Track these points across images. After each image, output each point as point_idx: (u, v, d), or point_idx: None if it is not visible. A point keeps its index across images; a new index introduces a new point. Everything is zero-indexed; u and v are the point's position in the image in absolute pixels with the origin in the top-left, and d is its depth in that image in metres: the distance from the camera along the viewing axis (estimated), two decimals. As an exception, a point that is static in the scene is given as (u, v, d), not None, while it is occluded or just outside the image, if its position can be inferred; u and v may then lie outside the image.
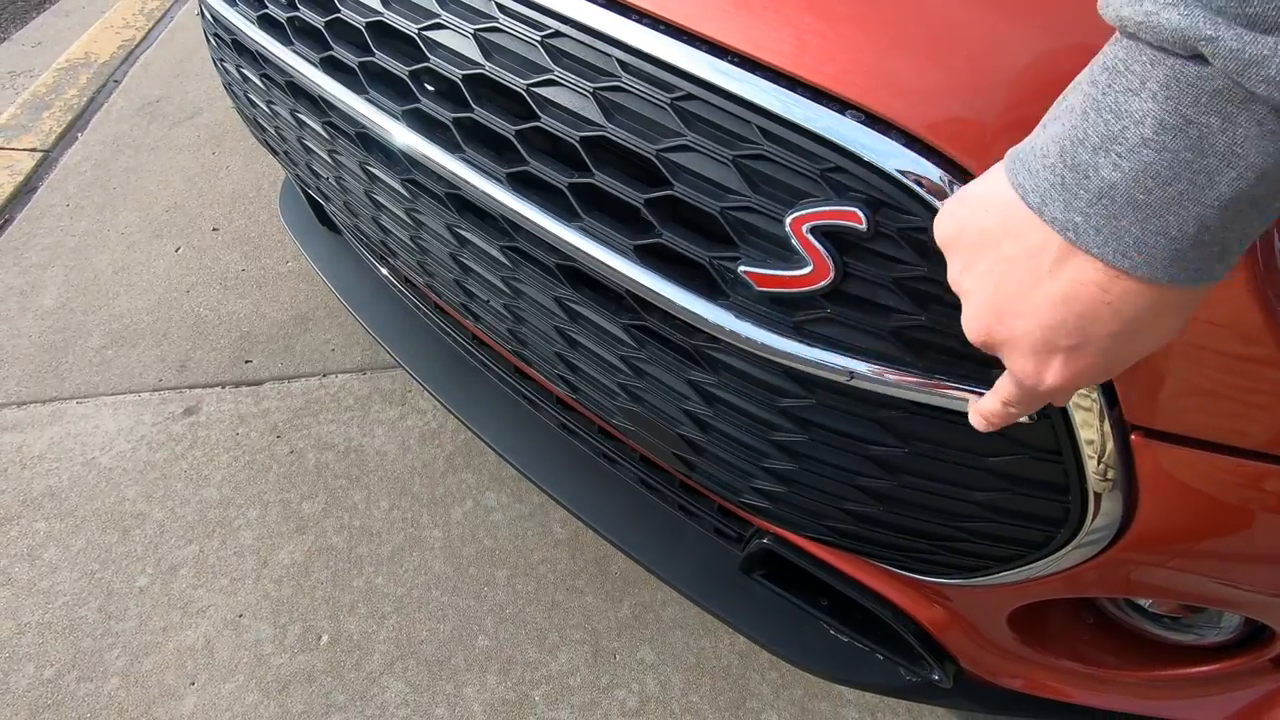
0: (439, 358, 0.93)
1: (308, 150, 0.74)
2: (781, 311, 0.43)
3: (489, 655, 0.92)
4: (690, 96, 0.43)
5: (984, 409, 0.35)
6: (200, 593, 0.96)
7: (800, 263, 0.41)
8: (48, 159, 1.67)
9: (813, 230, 0.40)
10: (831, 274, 0.40)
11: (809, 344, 0.42)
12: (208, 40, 0.86)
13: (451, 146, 0.55)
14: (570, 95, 0.47)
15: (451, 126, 0.55)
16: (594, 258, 0.48)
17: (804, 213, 0.40)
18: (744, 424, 0.48)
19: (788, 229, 0.41)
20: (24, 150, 1.68)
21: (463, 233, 0.59)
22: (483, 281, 0.60)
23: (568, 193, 0.49)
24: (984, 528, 0.46)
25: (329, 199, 0.78)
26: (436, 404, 1.20)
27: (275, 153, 0.86)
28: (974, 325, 0.32)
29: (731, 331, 0.44)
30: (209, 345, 1.28)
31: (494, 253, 0.57)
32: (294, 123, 0.72)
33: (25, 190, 1.58)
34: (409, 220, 0.64)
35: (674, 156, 0.44)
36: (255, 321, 1.33)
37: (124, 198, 1.57)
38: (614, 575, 1.01)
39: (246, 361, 1.26)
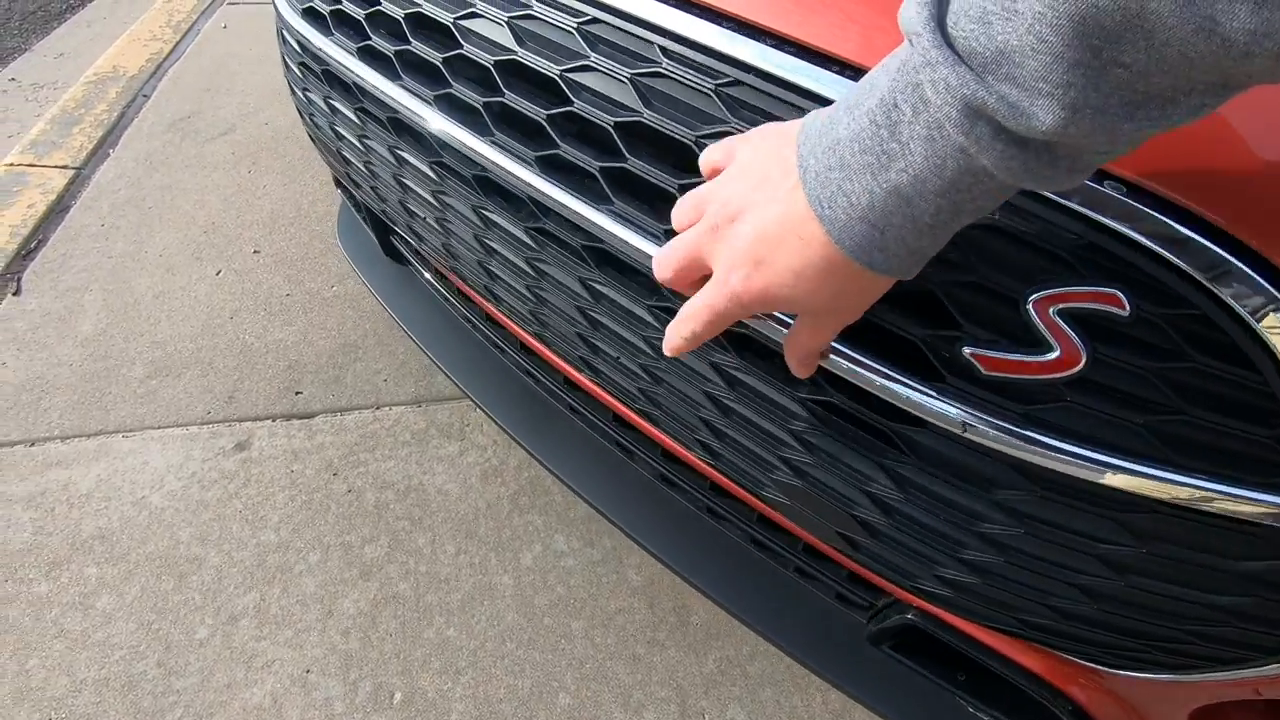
0: (517, 397, 0.88)
1: (404, 188, 0.70)
2: (1010, 398, 0.39)
3: (572, 715, 0.87)
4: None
5: (685, 313, 0.38)
6: (264, 645, 0.91)
7: (1044, 347, 0.37)
8: (80, 176, 1.63)
9: (1061, 313, 0.36)
10: (1083, 361, 0.36)
11: (1045, 435, 0.38)
12: (286, 65, 0.82)
13: (622, 221, 0.51)
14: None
15: (599, 176, 0.50)
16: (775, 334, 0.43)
17: (1052, 293, 0.36)
18: (942, 512, 0.44)
19: (1030, 310, 0.36)
20: (56, 168, 1.63)
21: (606, 290, 0.55)
22: (627, 344, 0.55)
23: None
24: (1218, 631, 0.42)
25: (423, 239, 0.74)
26: (497, 439, 1.16)
27: (357, 185, 0.82)
28: (722, 206, 0.35)
29: (943, 415, 0.39)
30: (257, 375, 1.23)
31: (641, 313, 0.52)
32: (393, 160, 0.68)
33: (58, 209, 1.53)
34: (530, 270, 0.60)
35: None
36: (303, 350, 1.28)
37: (160, 217, 1.53)
38: (696, 627, 0.96)
39: (297, 393, 1.21)
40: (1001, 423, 0.39)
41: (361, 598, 0.96)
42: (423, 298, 0.99)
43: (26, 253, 1.42)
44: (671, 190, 0.46)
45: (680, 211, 0.38)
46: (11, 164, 1.62)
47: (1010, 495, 0.41)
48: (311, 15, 0.72)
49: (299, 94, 0.80)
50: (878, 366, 0.41)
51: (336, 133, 0.76)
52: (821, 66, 0.41)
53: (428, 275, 0.95)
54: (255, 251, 1.47)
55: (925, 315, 0.40)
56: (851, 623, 0.69)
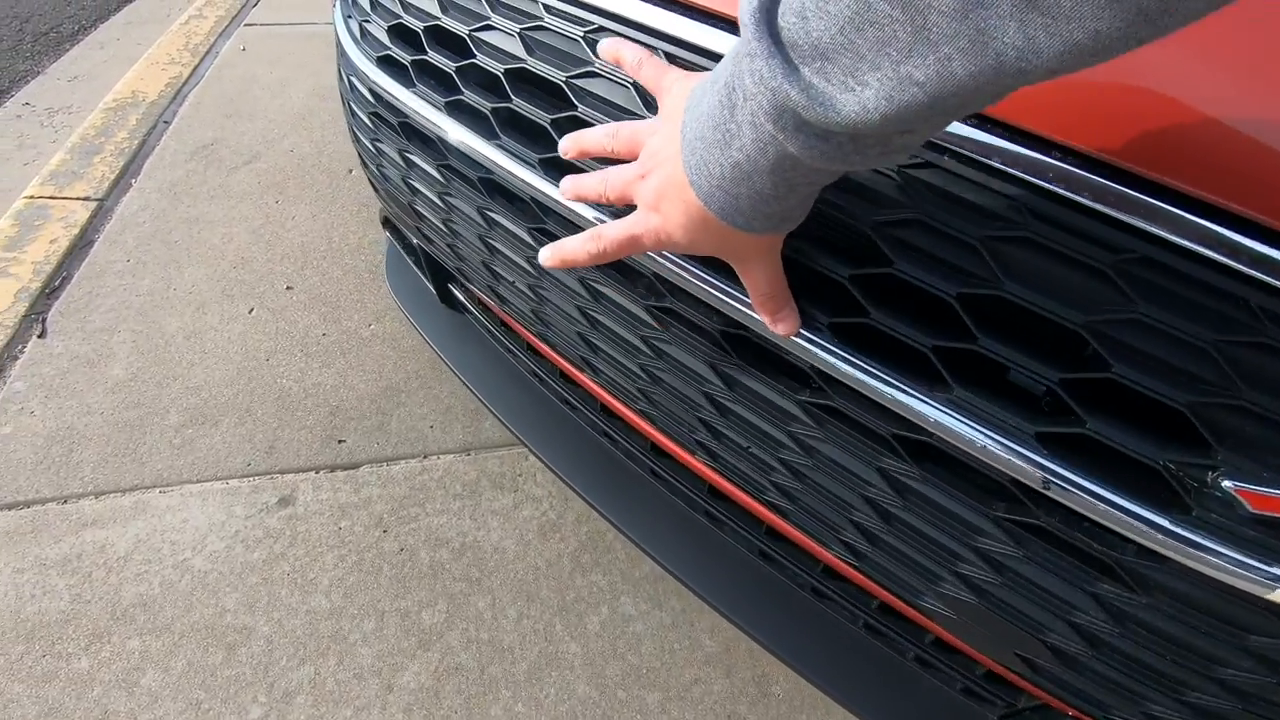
0: (590, 455, 0.83)
1: (491, 250, 0.65)
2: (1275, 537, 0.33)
3: (655, 801, 0.82)
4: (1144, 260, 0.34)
5: (599, 231, 0.44)
6: (321, 726, 0.85)
7: (1333, 487, 0.31)
8: (102, 208, 1.57)
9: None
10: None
11: (1325, 584, 0.32)
12: (352, 113, 0.77)
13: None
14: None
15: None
16: (980, 450, 0.38)
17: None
18: (1171, 653, 0.38)
19: (1319, 444, 0.31)
20: (77, 199, 1.58)
21: (742, 378, 0.49)
22: (767, 437, 0.50)
23: (932, 357, 0.39)
24: None
25: (506, 301, 0.68)
26: (552, 490, 1.10)
27: (428, 239, 0.77)
28: (649, 156, 0.40)
29: (1198, 557, 0.34)
30: (297, 423, 1.17)
31: (793, 409, 0.47)
32: (481, 221, 0.63)
33: (82, 244, 1.48)
34: (646, 349, 0.54)
35: (1112, 331, 0.35)
36: (343, 395, 1.23)
37: (187, 252, 1.48)
38: (777, 698, 0.91)
39: (339, 441, 1.16)
40: (1266, 564, 0.33)
41: (422, 670, 0.90)
42: (482, 348, 0.94)
43: (51, 291, 1.37)
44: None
45: (617, 140, 0.43)
46: (32, 196, 1.57)
47: (1267, 643, 0.35)
48: (388, 64, 0.67)
49: (365, 143, 0.75)
50: (1106, 489, 0.36)
51: (410, 186, 0.71)
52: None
53: (489, 327, 0.90)
54: (288, 288, 1.41)
55: (1177, 440, 0.35)
56: (976, 715, 0.64)
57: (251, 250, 1.49)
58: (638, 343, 0.55)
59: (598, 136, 0.45)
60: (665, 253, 0.49)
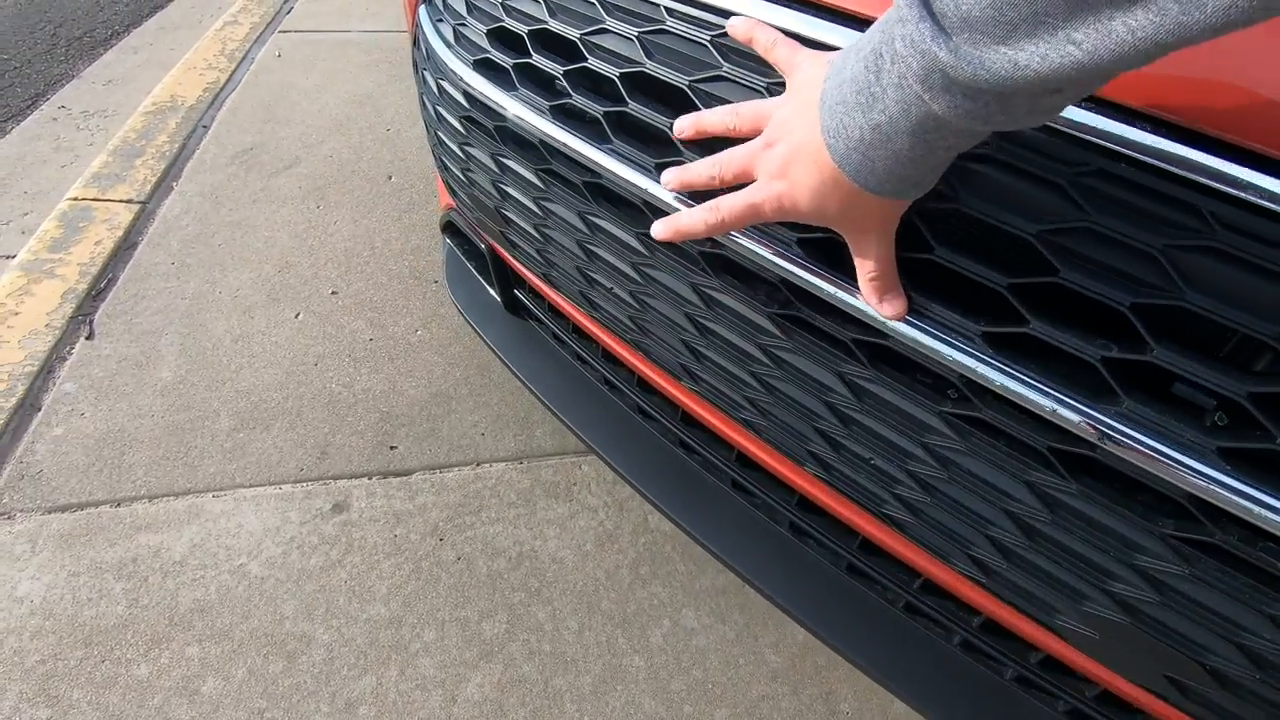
0: (663, 463, 0.82)
1: (590, 256, 0.64)
2: None
3: (729, 820, 0.80)
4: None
5: (719, 203, 0.46)
6: (386, 738, 0.83)
7: None
8: (145, 211, 1.57)
9: None
10: None
11: None
12: (440, 119, 0.77)
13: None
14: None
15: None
16: (1152, 463, 0.37)
17: None
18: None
19: None
20: (120, 202, 1.58)
21: (878, 389, 0.48)
22: (890, 445, 0.49)
23: (1101, 368, 0.38)
24: None
25: (597, 306, 0.68)
26: (608, 500, 1.09)
27: (513, 244, 0.76)
28: (777, 126, 0.42)
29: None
30: (348, 428, 1.17)
31: (932, 421, 0.46)
32: (584, 228, 0.62)
33: (126, 246, 1.48)
34: (765, 358, 0.53)
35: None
36: (393, 400, 1.22)
37: (231, 256, 1.47)
38: (846, 716, 0.89)
39: (391, 448, 1.14)
40: None
41: (485, 682, 0.89)
42: (550, 357, 0.93)
43: (97, 293, 1.37)
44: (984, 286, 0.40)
45: (740, 117, 0.45)
46: (76, 198, 1.57)
47: None
48: (486, 67, 0.66)
49: (454, 148, 0.75)
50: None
51: (501, 191, 0.70)
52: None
53: (561, 335, 0.89)
54: (333, 293, 1.41)
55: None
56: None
57: (295, 255, 1.49)
58: (755, 350, 0.54)
59: (719, 114, 0.46)
60: (793, 256, 0.48)
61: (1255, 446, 0.36)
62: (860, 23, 0.44)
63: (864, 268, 0.43)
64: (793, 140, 0.40)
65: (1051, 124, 0.38)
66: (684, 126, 0.49)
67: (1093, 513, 0.42)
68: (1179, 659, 0.43)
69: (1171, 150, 0.35)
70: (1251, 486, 0.36)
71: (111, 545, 0.99)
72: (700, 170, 0.47)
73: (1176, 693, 0.45)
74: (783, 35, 0.44)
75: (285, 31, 2.40)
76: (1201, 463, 0.37)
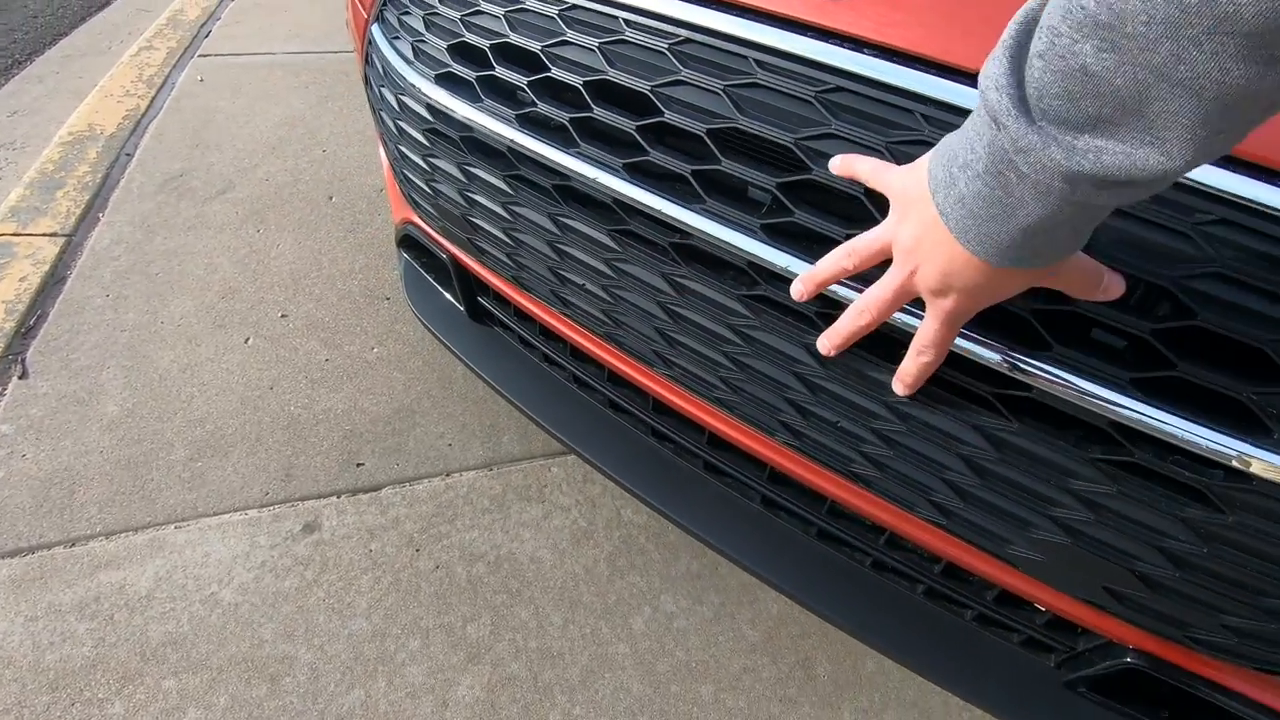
0: (638, 453, 0.85)
1: (561, 255, 0.67)
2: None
3: (723, 788, 0.83)
4: (1224, 221, 0.40)
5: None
6: (381, 748, 0.84)
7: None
8: (71, 244, 1.51)
9: None
10: None
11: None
12: (400, 134, 0.79)
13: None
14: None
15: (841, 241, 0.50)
16: (1091, 399, 0.43)
17: None
18: (1252, 564, 0.44)
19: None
20: (43, 236, 1.51)
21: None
22: (856, 408, 0.54)
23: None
24: None
25: (569, 304, 0.71)
26: (579, 499, 1.12)
27: (480, 250, 0.78)
28: (908, 255, 0.43)
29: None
30: (311, 449, 1.16)
31: (882, 377, 0.51)
32: (553, 228, 0.66)
33: (54, 281, 1.42)
34: (737, 338, 0.58)
35: (1198, 285, 0.40)
36: (356, 418, 1.21)
37: (170, 285, 1.43)
38: (823, 679, 0.94)
39: (358, 465, 1.14)
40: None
41: (475, 683, 0.90)
42: (517, 360, 0.95)
43: (26, 330, 1.31)
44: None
45: (854, 248, 0.46)
46: (-7, 234, 1.50)
47: (1339, 544, 0.41)
48: (449, 81, 0.69)
49: (418, 160, 0.77)
50: (1189, 423, 0.41)
51: (469, 199, 0.73)
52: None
53: (527, 337, 0.92)
54: (283, 316, 1.39)
55: (1254, 373, 0.41)
56: (1041, 669, 0.69)
57: (238, 280, 1.46)
58: (726, 331, 0.59)
59: (833, 262, 0.47)
60: (759, 239, 0.53)
61: (1160, 375, 0.42)
62: (777, 21, 0.49)
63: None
64: (937, 261, 0.40)
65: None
66: (802, 290, 0.50)
67: (1033, 448, 0.48)
68: (1114, 569, 0.49)
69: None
70: (1159, 409, 0.42)
71: (69, 586, 0.95)
72: (849, 325, 0.48)
73: (1115, 602, 0.51)
74: (877, 161, 0.46)
75: (205, 55, 2.33)
76: (1119, 393, 0.43)
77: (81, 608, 0.93)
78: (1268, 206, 0.39)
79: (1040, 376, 0.45)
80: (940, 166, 0.38)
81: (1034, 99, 0.31)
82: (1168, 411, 0.42)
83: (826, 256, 0.48)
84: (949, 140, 0.39)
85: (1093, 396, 0.44)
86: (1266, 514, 0.43)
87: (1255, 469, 0.41)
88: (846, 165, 0.47)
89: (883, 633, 0.72)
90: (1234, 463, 0.41)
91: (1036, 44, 0.30)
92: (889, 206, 0.47)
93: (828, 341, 0.51)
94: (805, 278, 0.49)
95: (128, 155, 1.82)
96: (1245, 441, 0.41)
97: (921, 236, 0.41)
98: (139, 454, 1.12)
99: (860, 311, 0.47)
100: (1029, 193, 0.33)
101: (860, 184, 0.47)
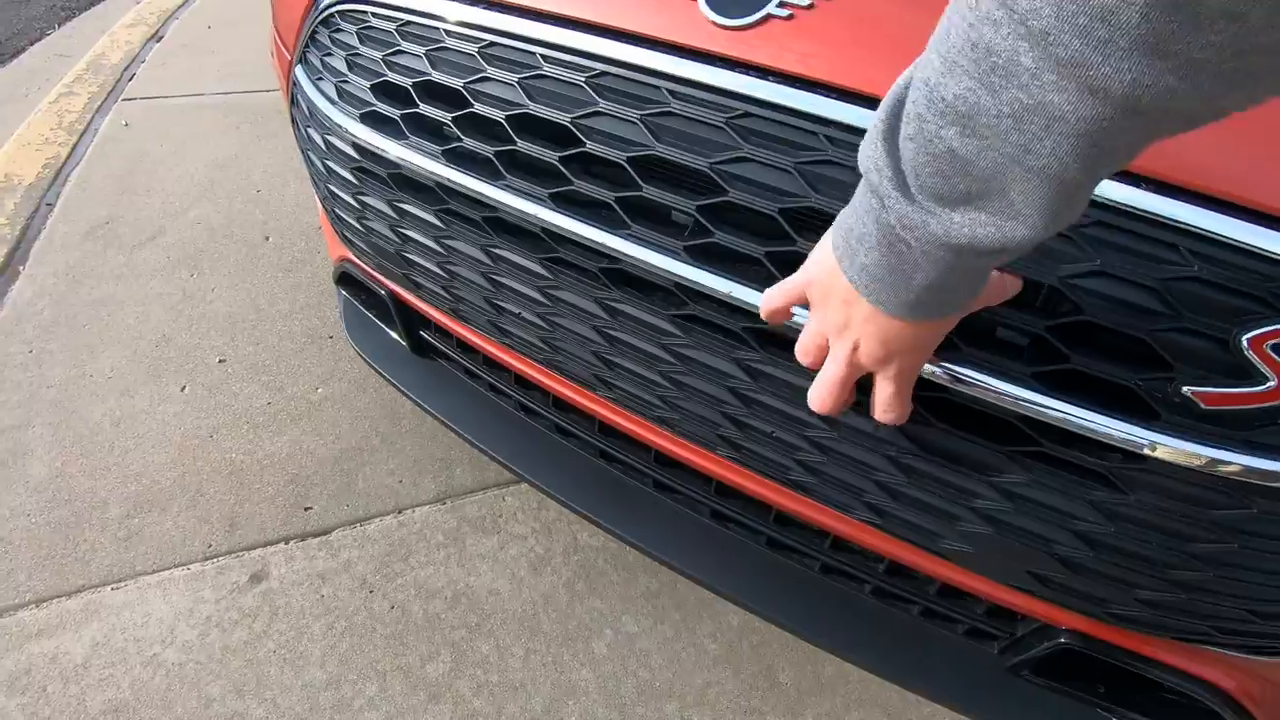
0: (589, 478, 0.86)
1: (497, 286, 0.68)
2: (1228, 426, 0.43)
3: (693, 806, 0.83)
4: (1101, 223, 0.43)
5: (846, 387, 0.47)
6: (341, 800, 0.81)
7: (1259, 379, 0.41)
8: (-11, 300, 1.45)
9: (1276, 347, 0.40)
10: (1297, 387, 0.41)
11: (1264, 456, 0.42)
12: (328, 173, 0.79)
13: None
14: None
15: (765, 261, 0.52)
16: (992, 391, 0.46)
17: (1266, 330, 0.40)
18: (1155, 539, 0.47)
19: (1245, 347, 0.41)
20: (-41, 292, 1.45)
21: (766, 368, 0.55)
22: (789, 418, 0.56)
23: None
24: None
25: (508, 333, 0.72)
26: (535, 527, 1.11)
27: (416, 285, 0.79)
28: (844, 347, 0.45)
29: (1174, 451, 0.43)
30: (257, 496, 1.12)
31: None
32: (487, 260, 0.66)
33: (-28, 339, 1.35)
34: (669, 357, 0.60)
35: (1083, 283, 0.44)
36: (302, 461, 1.19)
37: (99, 336, 1.39)
38: (786, 686, 0.96)
39: (306, 509, 1.12)
40: (1221, 450, 0.43)
41: (437, 724, 0.88)
42: (463, 392, 0.95)
43: (-58, 393, 1.24)
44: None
45: (804, 346, 0.48)
46: (-97, 294, 1.42)
47: (1227, 515, 0.45)
48: (375, 120, 0.70)
49: (348, 199, 0.77)
50: (1094, 413, 0.44)
51: (401, 235, 0.73)
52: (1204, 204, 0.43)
53: (472, 368, 0.92)
54: (221, 361, 1.36)
55: (1140, 362, 0.44)
56: (986, 657, 0.71)
57: (172, 327, 1.42)
58: (659, 352, 0.60)
59: (803, 347, 0.48)
60: (684, 260, 0.55)
61: (1057, 368, 0.45)
62: (686, 53, 0.52)
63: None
64: (872, 330, 0.42)
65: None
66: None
67: (952, 445, 0.51)
68: (1035, 554, 0.52)
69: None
70: (1059, 400, 0.45)
71: (-2, 660, 0.90)
72: (830, 385, 0.48)
73: (1040, 585, 0.54)
74: (787, 283, 0.47)
75: (130, 99, 2.28)
76: (1023, 388, 0.46)
77: (11, 682, 0.88)
78: (1141, 210, 0.43)
79: (952, 377, 0.47)
80: (841, 240, 0.40)
81: (910, 177, 0.34)
82: (1067, 402, 0.45)
83: (797, 345, 0.48)
84: (843, 216, 0.40)
85: (999, 392, 0.46)
86: (1162, 491, 0.46)
87: (1148, 450, 0.44)
88: (769, 303, 0.49)
89: (835, 635, 0.74)
90: (1129, 446, 0.44)
91: (906, 128, 0.33)
92: (806, 226, 0.50)
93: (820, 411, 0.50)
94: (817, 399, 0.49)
95: (49, 205, 1.75)
96: (1138, 425, 0.44)
97: (848, 315, 0.43)
98: (69, 515, 1.07)
99: (819, 400, 0.48)
100: (921, 259, 0.35)
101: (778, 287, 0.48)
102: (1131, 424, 0.44)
